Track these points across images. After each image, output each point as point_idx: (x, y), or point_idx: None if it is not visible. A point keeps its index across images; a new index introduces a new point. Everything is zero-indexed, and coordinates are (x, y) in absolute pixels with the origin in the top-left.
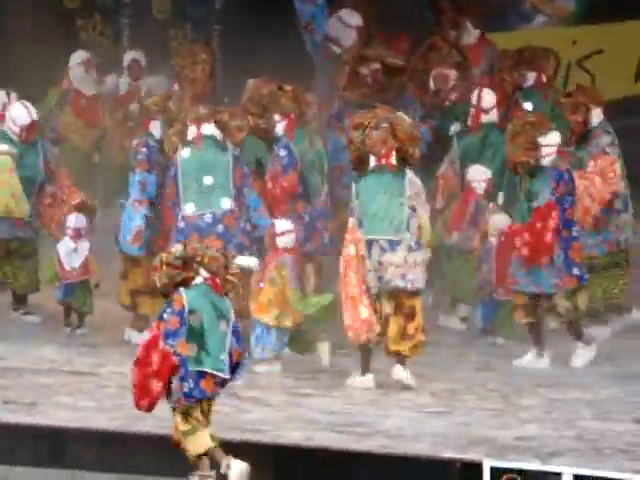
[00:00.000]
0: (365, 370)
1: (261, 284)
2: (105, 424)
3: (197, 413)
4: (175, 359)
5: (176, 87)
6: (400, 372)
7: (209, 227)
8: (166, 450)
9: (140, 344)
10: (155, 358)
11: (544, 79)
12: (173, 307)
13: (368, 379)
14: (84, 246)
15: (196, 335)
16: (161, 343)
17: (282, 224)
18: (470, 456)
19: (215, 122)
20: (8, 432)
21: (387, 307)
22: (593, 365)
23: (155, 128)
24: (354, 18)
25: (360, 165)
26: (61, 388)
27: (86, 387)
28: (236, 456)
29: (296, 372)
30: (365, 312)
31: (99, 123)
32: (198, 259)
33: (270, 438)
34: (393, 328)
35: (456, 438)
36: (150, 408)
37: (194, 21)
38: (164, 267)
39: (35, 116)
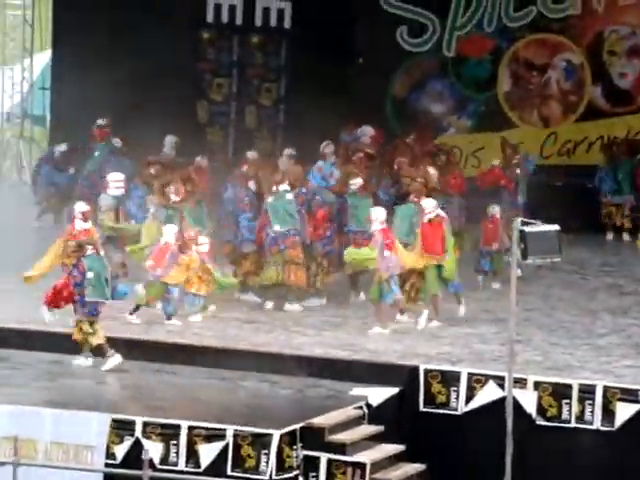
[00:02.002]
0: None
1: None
2: None
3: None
4: (77, 297)
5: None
6: (421, 319)
7: (284, 235)
8: None
9: (58, 283)
10: (64, 293)
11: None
12: (79, 269)
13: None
14: None
15: (94, 281)
16: (71, 288)
17: (202, 239)
18: (413, 363)
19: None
20: None
21: None
22: (481, 313)
23: (252, 185)
24: (368, 129)
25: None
26: None
27: None
28: (285, 364)
29: (321, 318)
30: None
31: None
32: (85, 243)
33: (307, 353)
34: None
35: (405, 354)
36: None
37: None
38: (70, 251)
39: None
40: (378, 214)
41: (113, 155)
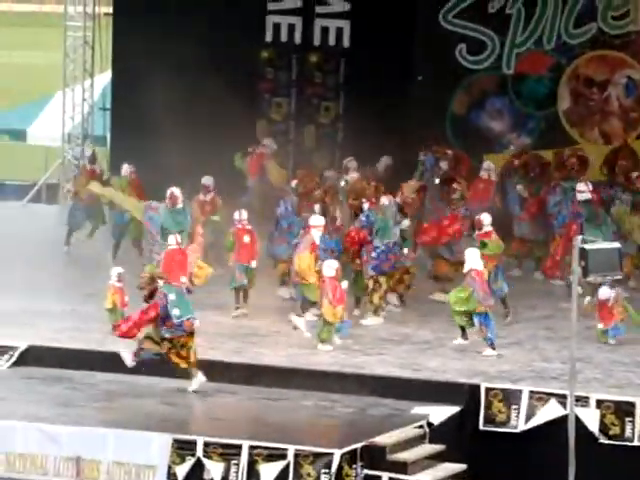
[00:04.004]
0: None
1: None
2: None
3: None
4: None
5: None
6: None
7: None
8: None
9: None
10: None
11: None
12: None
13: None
14: None
15: None
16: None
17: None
18: (473, 381)
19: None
20: None
21: None
22: (542, 331)
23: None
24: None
25: None
26: None
27: None
28: (347, 383)
29: (381, 336)
30: None
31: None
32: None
33: (368, 371)
34: None
35: (466, 372)
36: None
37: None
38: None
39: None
40: (471, 254)
41: None
